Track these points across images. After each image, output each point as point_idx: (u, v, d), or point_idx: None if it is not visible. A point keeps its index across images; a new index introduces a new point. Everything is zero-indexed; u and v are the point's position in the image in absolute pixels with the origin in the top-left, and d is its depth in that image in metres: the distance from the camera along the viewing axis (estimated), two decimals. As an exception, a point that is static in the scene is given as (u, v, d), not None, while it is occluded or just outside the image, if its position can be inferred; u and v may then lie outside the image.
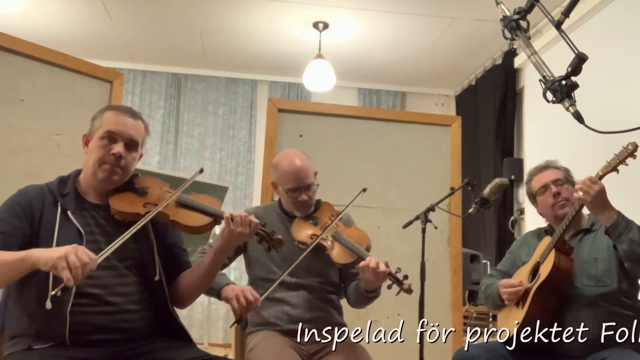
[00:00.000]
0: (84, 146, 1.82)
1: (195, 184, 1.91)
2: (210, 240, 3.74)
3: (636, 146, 1.98)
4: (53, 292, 1.42)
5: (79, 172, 1.84)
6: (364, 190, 2.34)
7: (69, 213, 1.71)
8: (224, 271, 2.17)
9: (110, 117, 1.80)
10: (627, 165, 2.01)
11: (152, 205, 1.76)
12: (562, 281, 2.12)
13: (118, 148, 1.76)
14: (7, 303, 1.75)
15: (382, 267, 2.04)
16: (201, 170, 1.96)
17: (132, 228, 1.64)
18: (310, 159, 2.32)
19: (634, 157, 1.99)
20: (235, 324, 2.04)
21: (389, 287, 2.10)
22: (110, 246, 1.57)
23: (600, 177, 2.05)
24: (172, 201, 1.79)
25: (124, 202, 1.77)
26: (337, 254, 2.18)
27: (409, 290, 2.06)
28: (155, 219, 1.74)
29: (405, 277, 2.07)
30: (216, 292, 2.04)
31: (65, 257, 1.40)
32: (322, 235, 2.19)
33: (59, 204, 1.72)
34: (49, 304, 1.50)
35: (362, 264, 2.06)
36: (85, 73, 2.98)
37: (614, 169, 2.03)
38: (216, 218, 1.81)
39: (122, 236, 1.60)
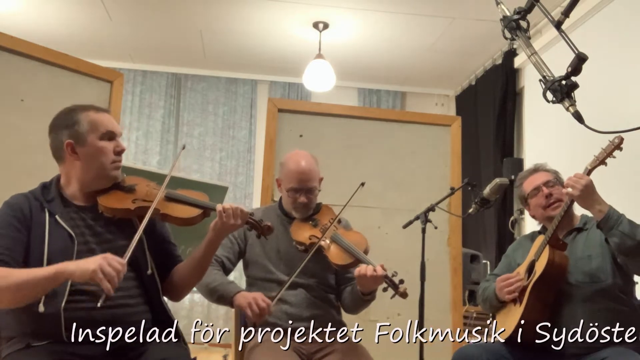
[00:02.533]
0: (72, 153, 1.78)
1: (196, 184, 1.94)
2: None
3: (622, 139, 2.00)
4: (98, 304, 1.50)
5: (59, 177, 1.84)
6: (362, 184, 2.33)
7: (57, 217, 1.73)
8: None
9: (97, 118, 1.81)
10: (614, 157, 2.03)
11: (140, 201, 1.81)
12: (558, 276, 2.13)
13: (121, 144, 1.82)
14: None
15: (379, 270, 2.04)
16: (183, 147, 2.20)
17: (141, 225, 1.70)
18: (318, 164, 2.33)
19: (620, 149, 2.01)
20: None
21: (385, 289, 2.09)
22: (131, 244, 1.64)
23: (589, 172, 2.07)
24: (162, 195, 1.83)
25: (112, 199, 1.80)
26: (335, 255, 2.17)
27: (403, 294, 2.06)
28: (144, 215, 1.76)
29: (401, 281, 2.06)
30: (229, 301, 2.11)
31: (100, 269, 1.49)
32: (321, 238, 2.18)
33: (46, 209, 1.73)
34: (41, 307, 1.59)
35: (358, 271, 2.06)
36: (85, 73, 2.97)
37: (602, 162, 2.05)
38: (205, 210, 1.85)
39: (138, 232, 1.67)
